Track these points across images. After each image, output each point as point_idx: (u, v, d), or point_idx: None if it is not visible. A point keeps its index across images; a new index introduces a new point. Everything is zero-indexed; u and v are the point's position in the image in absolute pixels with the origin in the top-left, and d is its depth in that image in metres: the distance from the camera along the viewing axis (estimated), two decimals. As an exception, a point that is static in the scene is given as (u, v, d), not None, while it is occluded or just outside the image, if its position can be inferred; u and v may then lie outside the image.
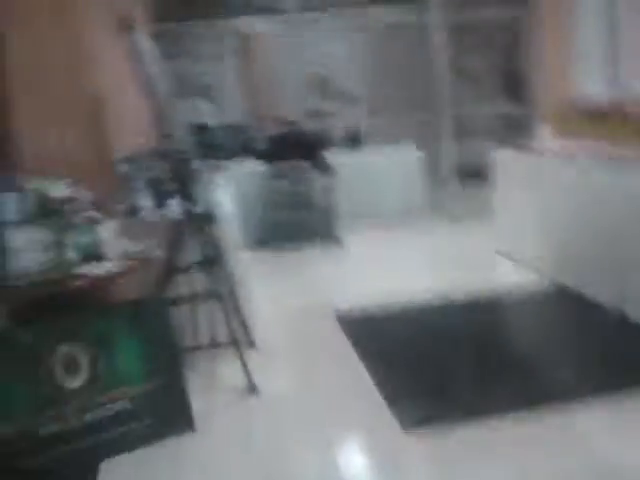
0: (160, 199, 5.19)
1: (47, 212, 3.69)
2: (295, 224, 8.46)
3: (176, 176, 4.66)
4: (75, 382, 3.59)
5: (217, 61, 13.39)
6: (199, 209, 4.66)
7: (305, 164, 8.56)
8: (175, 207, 5.10)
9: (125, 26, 4.24)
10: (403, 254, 7.60)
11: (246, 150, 9.51)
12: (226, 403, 4.27)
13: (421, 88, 11.04)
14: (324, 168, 8.53)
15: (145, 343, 3.75)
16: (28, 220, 3.62)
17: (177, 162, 4.67)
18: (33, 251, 3.52)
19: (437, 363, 4.59)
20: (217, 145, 9.47)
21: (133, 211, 5.04)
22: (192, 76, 12.51)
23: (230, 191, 6.67)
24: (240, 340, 4.61)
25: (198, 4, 11.51)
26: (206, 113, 11.40)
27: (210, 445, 3.75)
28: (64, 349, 3.57)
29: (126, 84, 6.75)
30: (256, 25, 11.85)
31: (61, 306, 3.69)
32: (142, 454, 3.69)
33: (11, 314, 3.94)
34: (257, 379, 4.39)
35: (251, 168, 8.78)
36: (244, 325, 5.01)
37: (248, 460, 3.58)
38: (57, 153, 4.28)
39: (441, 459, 3.44)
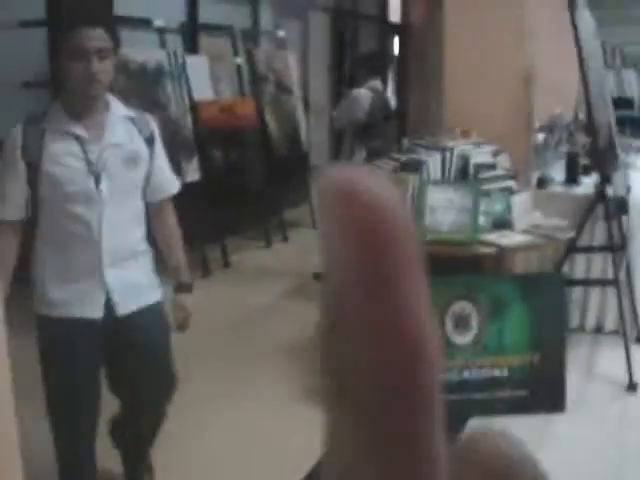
0: (574, 174, 5.14)
1: (467, 176, 3.87)
2: None
3: (596, 153, 4.54)
4: (463, 339, 3.78)
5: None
6: (613, 192, 4.52)
7: None
8: (588, 185, 5.03)
9: (572, 4, 4.22)
10: None
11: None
12: (601, 393, 4.18)
13: None
14: None
15: (535, 317, 3.80)
16: (449, 181, 3.83)
17: (601, 139, 4.54)
18: (449, 211, 3.73)
19: None
20: (638, 122, 9.01)
21: (543, 182, 5.06)
22: (625, 45, 11.96)
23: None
24: (628, 332, 4.46)
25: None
26: (633, 86, 10.86)
27: (576, 432, 3.74)
28: (458, 306, 3.76)
29: (557, 58, 6.72)
30: None
31: (462, 266, 3.89)
32: (510, 421, 3.78)
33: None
34: (638, 376, 4.24)
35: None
36: (635, 317, 4.83)
37: (609, 457, 3.51)
38: (484, 118, 4.41)
39: None
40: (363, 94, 6.19)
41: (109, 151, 2.47)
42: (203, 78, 6.62)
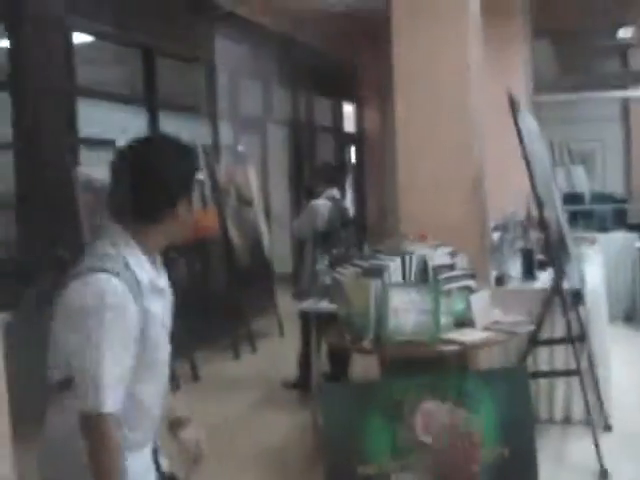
0: (530, 269, 5.31)
1: (427, 277, 3.99)
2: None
3: (549, 248, 4.71)
4: (430, 439, 3.83)
5: (597, 127, 13.20)
6: (569, 284, 4.68)
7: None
8: (544, 279, 5.19)
9: (513, 106, 4.47)
10: None
11: (621, 222, 9.23)
12: (574, 483, 4.25)
13: None
14: None
15: (502, 411, 3.86)
16: (410, 283, 3.95)
17: (552, 234, 4.72)
18: (411, 312, 3.83)
19: None
20: (589, 216, 9.33)
21: (501, 279, 5.21)
22: (571, 142, 12.45)
23: (600, 264, 6.57)
24: (595, 420, 4.54)
25: (579, 78, 11.51)
26: (582, 181, 11.25)
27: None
28: (427, 406, 3.83)
29: (506, 158, 7.02)
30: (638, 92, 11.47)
31: (428, 365, 3.97)
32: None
33: (383, 365, 4.31)
34: (609, 463, 4.29)
35: (624, 242, 8.48)
36: (601, 405, 4.92)
37: None
38: (440, 221, 4.57)
39: None
40: (322, 204, 6.36)
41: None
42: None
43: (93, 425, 1.92)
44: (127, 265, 2.03)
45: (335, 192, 6.56)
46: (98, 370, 1.91)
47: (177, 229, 2.20)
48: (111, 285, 1.96)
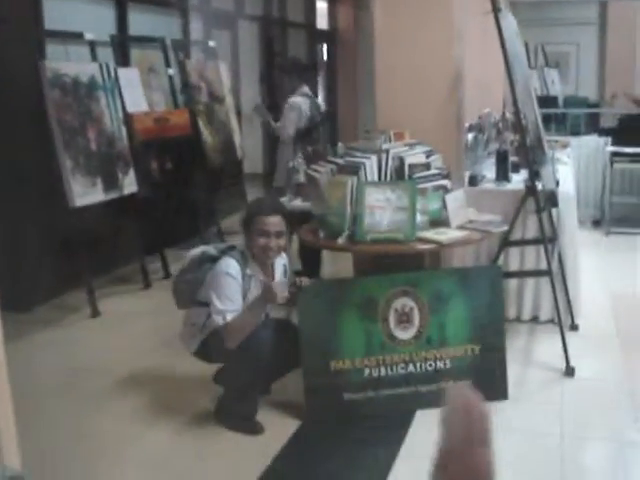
0: (504, 171, 5.31)
1: (403, 176, 3.97)
2: (636, 209, 8.15)
3: (525, 149, 4.69)
4: (406, 334, 3.89)
5: (573, 31, 13.04)
6: (543, 186, 4.69)
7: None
8: (518, 181, 5.20)
9: (495, 7, 4.38)
10: None
11: (593, 127, 9.23)
12: (540, 380, 4.34)
13: None
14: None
15: (474, 309, 3.93)
16: (386, 182, 3.93)
17: (528, 137, 4.70)
18: (387, 210, 3.83)
19: None
20: (563, 119, 9.30)
21: (475, 180, 5.21)
22: (546, 45, 12.30)
23: (572, 168, 6.60)
24: (563, 320, 4.63)
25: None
26: (556, 84, 11.18)
27: (520, 416, 3.88)
28: (400, 302, 3.87)
29: (483, 59, 6.92)
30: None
31: (402, 264, 4.00)
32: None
33: (357, 264, 4.33)
34: (575, 361, 4.41)
35: (595, 147, 8.51)
36: (569, 306, 5.01)
37: (552, 440, 3.66)
38: (416, 120, 4.52)
39: None
40: (301, 101, 6.28)
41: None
42: (136, 90, 6.61)
43: None
44: None
45: (307, 89, 6.47)
46: None
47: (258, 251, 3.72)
48: None
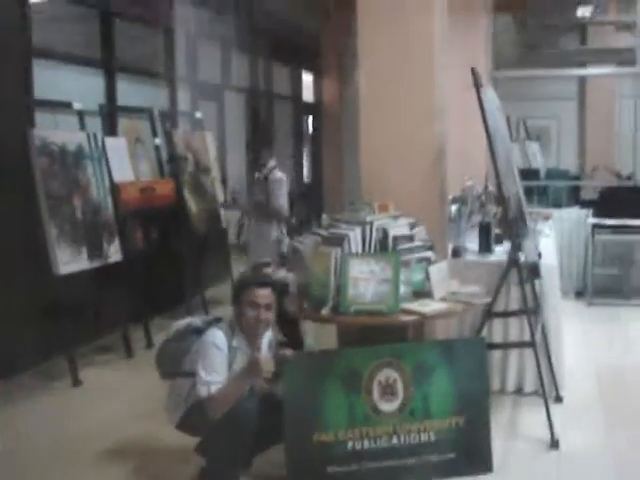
0: (487, 243, 5.36)
1: (387, 248, 4.00)
2: (618, 280, 8.22)
3: (508, 221, 4.74)
4: (390, 406, 3.86)
5: (554, 105, 13.33)
6: (525, 258, 4.73)
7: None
8: (500, 253, 5.25)
9: (477, 80, 4.48)
10: None
11: (574, 199, 9.36)
12: (525, 452, 4.31)
13: None
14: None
15: (458, 381, 3.92)
16: (370, 253, 3.96)
17: (511, 209, 4.75)
18: (371, 282, 3.85)
19: None
20: (545, 191, 9.43)
21: (458, 252, 5.25)
22: (528, 119, 12.55)
23: (554, 240, 6.66)
24: (547, 392, 4.63)
25: (538, 55, 11.58)
26: (537, 157, 11.36)
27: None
28: (384, 374, 3.86)
29: (465, 133, 7.06)
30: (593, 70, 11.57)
31: (385, 335, 4.00)
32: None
33: (341, 335, 4.33)
34: (559, 433, 4.38)
35: (577, 218, 8.60)
36: (553, 377, 5.01)
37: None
38: (400, 192, 4.57)
39: None
40: (283, 175, 6.39)
41: None
42: (122, 159, 6.68)
43: None
44: None
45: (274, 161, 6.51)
46: None
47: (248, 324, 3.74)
48: None
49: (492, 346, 4.96)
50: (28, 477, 3.99)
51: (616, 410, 4.97)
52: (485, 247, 5.35)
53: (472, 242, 5.53)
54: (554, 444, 4.33)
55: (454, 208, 5.68)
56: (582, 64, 11.55)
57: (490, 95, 4.96)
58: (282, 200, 6.32)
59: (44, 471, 4.11)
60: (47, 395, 5.40)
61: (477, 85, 4.49)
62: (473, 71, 4.54)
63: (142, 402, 5.07)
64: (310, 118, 13.69)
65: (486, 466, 3.97)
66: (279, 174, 6.38)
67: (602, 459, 4.23)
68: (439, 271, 4.10)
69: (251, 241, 6.52)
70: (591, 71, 11.62)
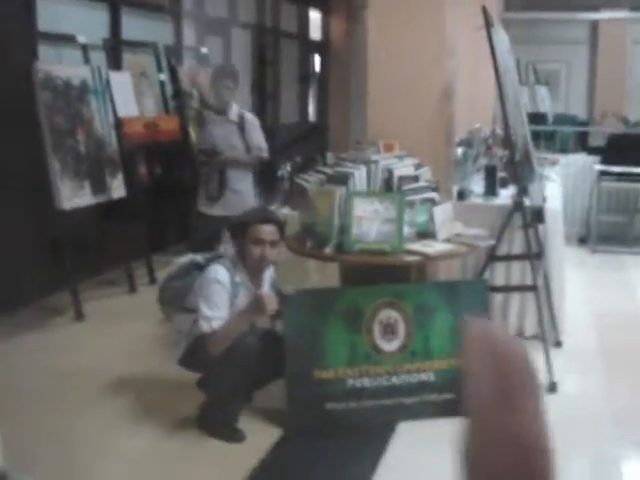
0: (492, 186, 5.33)
1: (391, 188, 3.98)
2: (622, 228, 8.20)
3: (514, 165, 4.70)
4: (390, 346, 3.89)
5: (564, 49, 13.13)
6: (530, 202, 4.71)
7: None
8: (505, 196, 5.22)
9: (488, 21, 4.41)
10: None
11: (581, 145, 9.29)
12: (523, 395, 4.35)
13: None
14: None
15: (459, 322, 3.93)
16: (374, 193, 3.94)
17: (518, 152, 4.71)
18: (375, 222, 3.84)
19: None
20: (552, 137, 9.35)
21: (463, 194, 5.23)
22: (537, 63, 12.37)
23: (559, 185, 6.63)
24: (547, 336, 4.65)
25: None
26: (545, 102, 11.24)
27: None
28: (385, 314, 3.87)
29: (474, 75, 6.95)
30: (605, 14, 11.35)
31: (388, 275, 4.00)
32: (437, 424, 3.88)
33: (344, 274, 4.33)
34: (558, 377, 4.41)
35: (583, 165, 8.55)
36: (553, 322, 5.02)
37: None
38: (406, 132, 4.53)
39: None
40: None
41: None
42: (127, 94, 6.60)
43: None
44: None
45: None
46: None
47: (251, 261, 3.72)
48: None
49: (494, 289, 4.96)
50: (29, 411, 4.02)
51: (615, 355, 5.00)
52: (490, 190, 5.32)
53: (477, 185, 5.50)
54: (552, 387, 4.36)
55: (460, 150, 5.64)
56: (595, 7, 11.35)
57: (501, 36, 4.88)
58: (261, 141, 5.61)
59: (43, 405, 4.14)
60: (49, 330, 5.44)
61: (488, 24, 4.42)
62: (484, 10, 4.46)
63: (144, 336, 5.10)
64: (317, 57, 13.50)
65: (484, 407, 4.00)
66: (250, 115, 5.82)
67: (600, 403, 4.27)
68: (443, 212, 4.09)
69: (227, 201, 5.54)
70: (603, 15, 11.42)
